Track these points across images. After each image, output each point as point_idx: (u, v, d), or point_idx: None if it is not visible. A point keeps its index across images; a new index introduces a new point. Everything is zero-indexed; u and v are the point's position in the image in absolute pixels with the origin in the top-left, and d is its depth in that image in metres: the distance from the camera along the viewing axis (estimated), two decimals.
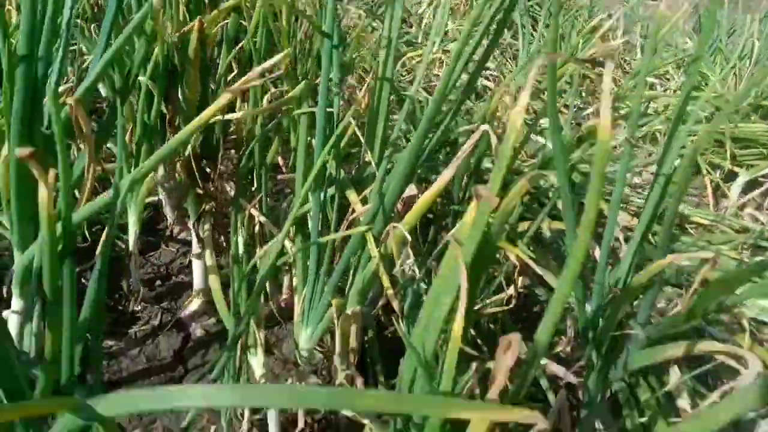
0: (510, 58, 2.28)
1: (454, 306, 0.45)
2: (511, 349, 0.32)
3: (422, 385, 0.49)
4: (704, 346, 0.62)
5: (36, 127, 0.63)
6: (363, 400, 0.30)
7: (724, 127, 1.76)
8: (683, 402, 0.73)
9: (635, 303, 0.79)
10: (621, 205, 1.51)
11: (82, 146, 1.02)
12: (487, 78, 2.12)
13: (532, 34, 2.21)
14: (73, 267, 0.42)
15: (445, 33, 2.18)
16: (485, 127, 0.54)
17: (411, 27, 2.63)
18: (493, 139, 0.60)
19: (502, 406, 0.31)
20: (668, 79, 2.43)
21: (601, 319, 0.73)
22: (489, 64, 2.22)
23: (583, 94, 2.14)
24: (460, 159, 0.60)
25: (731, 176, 1.80)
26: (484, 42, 0.79)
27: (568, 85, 1.91)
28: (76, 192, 0.87)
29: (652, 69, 1.97)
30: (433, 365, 0.51)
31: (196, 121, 0.58)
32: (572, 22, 2.24)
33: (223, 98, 0.59)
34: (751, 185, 1.77)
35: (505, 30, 2.61)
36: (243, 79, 0.61)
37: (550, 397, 0.96)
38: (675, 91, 2.16)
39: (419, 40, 2.41)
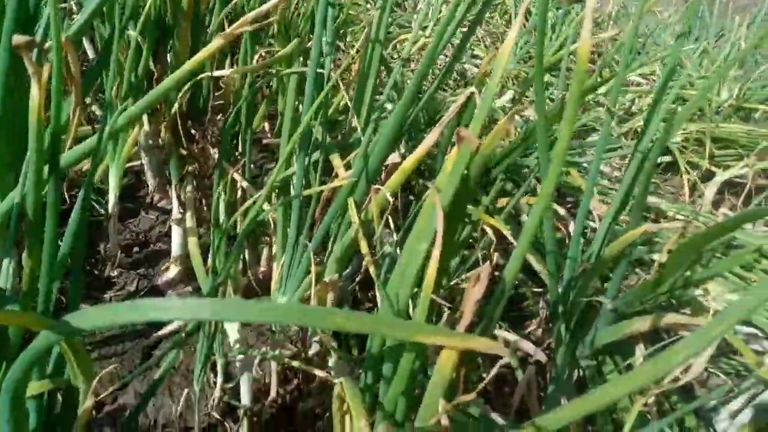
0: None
1: (430, 254, 0.46)
2: (479, 282, 0.34)
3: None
4: (669, 318, 0.64)
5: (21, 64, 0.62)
6: (336, 318, 0.31)
7: (705, 127, 1.79)
8: None
9: (606, 282, 0.81)
10: (600, 198, 1.54)
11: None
12: (476, 66, 2.13)
13: (524, 25, 2.23)
14: (57, 185, 0.42)
15: (438, 20, 2.18)
16: (473, 89, 0.55)
17: (405, 11, 2.63)
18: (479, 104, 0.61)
19: (468, 335, 0.32)
20: (654, 80, 2.46)
21: (571, 293, 0.75)
22: (479, 53, 2.23)
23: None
24: (445, 122, 0.61)
25: (709, 176, 1.83)
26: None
27: (555, 78, 1.93)
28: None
29: (637, 66, 2.01)
30: (406, 316, 0.52)
31: (187, 65, 0.59)
32: (564, 15, 2.26)
33: (216, 42, 0.59)
34: (725, 186, 1.81)
35: (499, 19, 2.63)
36: (236, 23, 0.61)
37: (520, 376, 0.98)
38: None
39: (412, 25, 2.41)
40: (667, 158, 1.87)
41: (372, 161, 0.83)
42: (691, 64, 2.34)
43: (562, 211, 1.02)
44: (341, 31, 1.73)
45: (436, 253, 0.45)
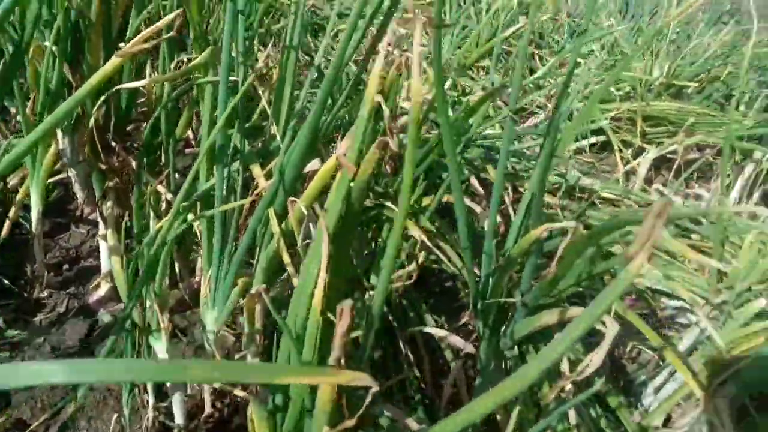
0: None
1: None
2: (343, 318, 0.34)
3: (294, 359, 0.51)
4: (573, 312, 0.66)
5: None
6: (191, 371, 0.31)
7: (637, 106, 1.84)
8: (564, 366, 0.78)
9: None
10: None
11: None
12: None
13: (462, 12, 2.23)
14: None
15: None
16: (379, 98, 0.54)
17: None
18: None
19: (337, 371, 0.32)
20: (593, 59, 2.51)
21: (488, 289, 0.76)
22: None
23: (510, 73, 2.18)
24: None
25: (641, 153, 1.89)
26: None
27: (490, 61, 1.94)
28: None
29: (575, 50, 2.04)
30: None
31: (93, 79, 0.57)
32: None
33: (111, 63, 0.58)
34: (659, 162, 1.87)
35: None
36: (132, 41, 0.59)
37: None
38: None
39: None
40: (602, 137, 1.91)
41: (289, 170, 0.83)
42: (626, 42, 2.39)
43: (478, 209, 1.04)
44: (267, 29, 1.70)
45: (321, 277, 0.45)
